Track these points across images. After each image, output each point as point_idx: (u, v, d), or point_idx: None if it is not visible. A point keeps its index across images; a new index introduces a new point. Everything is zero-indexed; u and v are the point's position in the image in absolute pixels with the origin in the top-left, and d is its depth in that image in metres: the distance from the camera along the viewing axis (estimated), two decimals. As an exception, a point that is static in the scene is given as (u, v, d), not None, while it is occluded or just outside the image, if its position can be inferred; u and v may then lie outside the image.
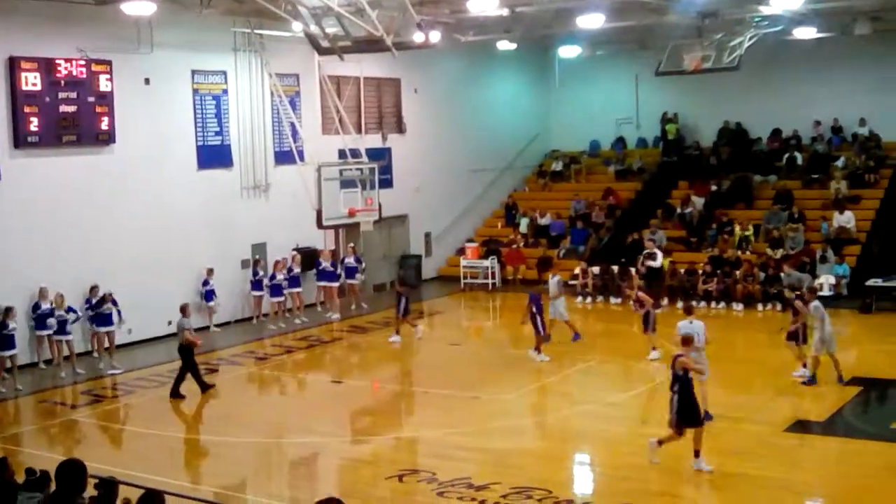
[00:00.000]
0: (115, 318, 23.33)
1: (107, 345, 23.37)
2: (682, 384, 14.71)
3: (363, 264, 30.43)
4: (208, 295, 26.68)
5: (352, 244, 30.38)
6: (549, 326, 23.56)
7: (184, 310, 21.25)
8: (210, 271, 26.69)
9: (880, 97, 34.16)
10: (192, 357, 20.90)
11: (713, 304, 29.06)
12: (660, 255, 29.60)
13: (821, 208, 32.30)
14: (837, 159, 34.49)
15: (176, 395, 20.50)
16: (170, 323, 25.55)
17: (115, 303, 23.28)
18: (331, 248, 29.75)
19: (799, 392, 19.16)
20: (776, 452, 15.98)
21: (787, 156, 35.31)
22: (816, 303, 20.35)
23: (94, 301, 23.41)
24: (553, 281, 24.42)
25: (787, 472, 14.87)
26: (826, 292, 28.21)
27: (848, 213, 31.19)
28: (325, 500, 6.86)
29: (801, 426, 16.51)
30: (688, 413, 14.71)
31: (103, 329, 23.30)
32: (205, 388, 20.89)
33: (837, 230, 30.91)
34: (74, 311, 23.01)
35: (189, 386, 20.64)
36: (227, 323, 27.45)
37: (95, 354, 23.71)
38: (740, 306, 28.76)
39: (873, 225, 31.54)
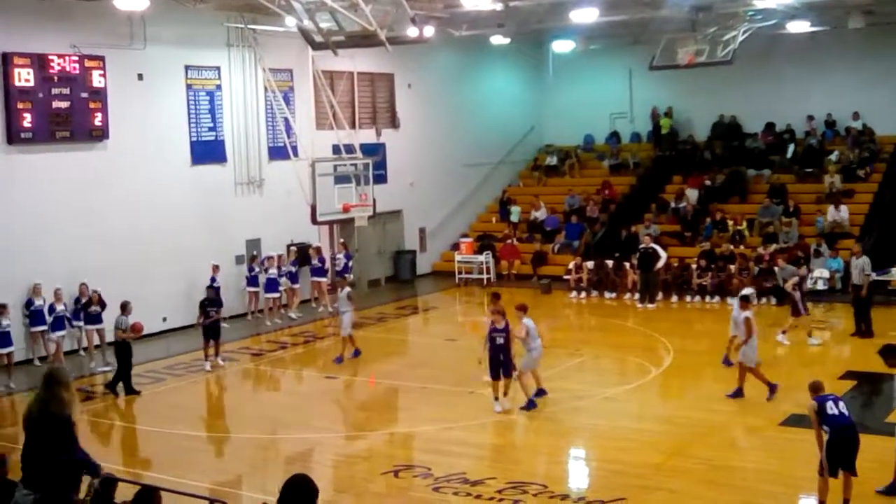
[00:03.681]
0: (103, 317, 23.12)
1: (97, 342, 23.29)
2: (834, 424, 12.68)
3: (351, 260, 30.37)
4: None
5: (342, 240, 30.39)
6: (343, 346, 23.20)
7: (124, 307, 20.97)
8: (216, 268, 26.52)
9: (874, 91, 34.19)
10: (128, 356, 20.59)
11: (707, 299, 29.08)
12: (663, 254, 29.51)
13: (815, 202, 32.37)
14: (831, 153, 34.54)
15: (130, 391, 20.46)
16: (165, 319, 25.69)
17: (102, 304, 23.09)
18: (315, 245, 29.66)
19: (794, 386, 19.15)
20: (771, 446, 16.02)
21: (784, 148, 35.35)
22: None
23: (82, 301, 23.35)
24: (342, 294, 23.51)
25: (782, 465, 14.89)
26: (820, 286, 28.30)
27: (844, 208, 31.23)
28: (293, 477, 7.04)
29: (796, 420, 16.50)
30: (842, 454, 12.66)
31: (92, 327, 23.22)
32: (130, 391, 20.51)
33: (831, 224, 30.95)
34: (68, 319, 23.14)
35: (182, 387, 20.60)
36: (223, 319, 27.39)
37: (82, 353, 23.71)
38: (735, 301, 28.71)
39: (867, 219, 31.57)
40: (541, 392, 18.70)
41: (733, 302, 21.60)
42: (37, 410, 9.19)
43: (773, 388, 18.52)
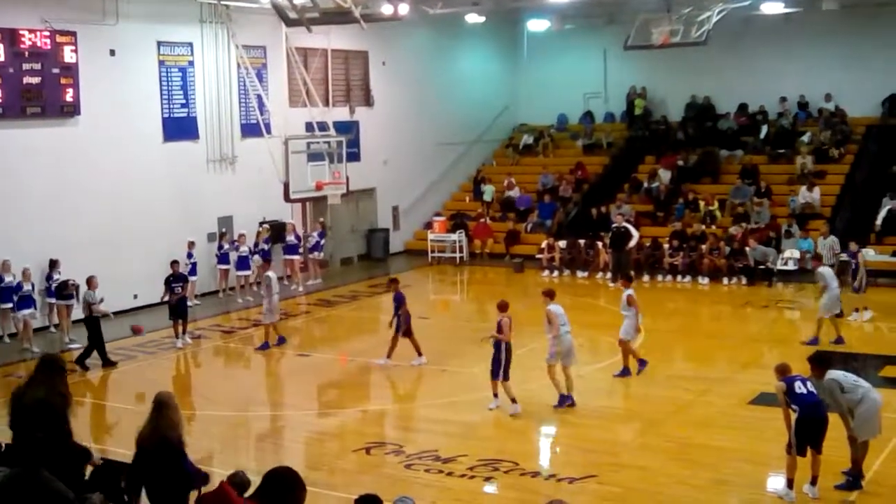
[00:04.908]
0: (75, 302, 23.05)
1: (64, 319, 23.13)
2: (802, 403, 12.72)
3: (324, 239, 30.36)
4: (192, 268, 26.34)
5: (321, 220, 30.42)
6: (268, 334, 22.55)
7: (90, 282, 21.07)
8: (192, 244, 26.51)
9: (846, 73, 34.36)
10: (98, 330, 20.83)
11: (679, 278, 29.24)
12: (635, 233, 29.60)
13: (786, 183, 32.54)
14: (803, 134, 34.69)
15: (107, 363, 20.79)
16: (136, 296, 25.57)
17: (77, 289, 22.94)
18: (290, 223, 29.64)
19: (764, 364, 19.31)
20: (741, 424, 16.15)
21: (758, 129, 35.50)
22: (822, 269, 21.18)
23: (55, 278, 23.15)
24: (266, 279, 22.52)
25: (751, 443, 15.01)
26: (791, 267, 28.50)
27: (816, 189, 31.40)
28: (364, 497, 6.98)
29: (765, 399, 16.63)
30: (811, 433, 12.69)
31: (63, 303, 23.06)
32: (107, 363, 20.89)
33: (803, 205, 31.12)
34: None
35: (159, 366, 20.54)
36: (194, 296, 27.32)
37: (53, 329, 23.56)
38: (706, 280, 28.94)
39: (838, 200, 31.76)
40: (565, 399, 17.19)
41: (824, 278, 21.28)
42: (148, 433, 9.68)
43: (642, 363, 19.05)
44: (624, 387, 18.82)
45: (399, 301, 20.37)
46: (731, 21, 30.66)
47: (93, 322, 20.77)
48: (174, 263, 23.12)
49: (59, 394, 9.82)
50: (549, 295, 17.77)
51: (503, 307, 17.23)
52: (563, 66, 39.40)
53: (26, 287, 22.66)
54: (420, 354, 20.33)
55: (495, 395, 17.10)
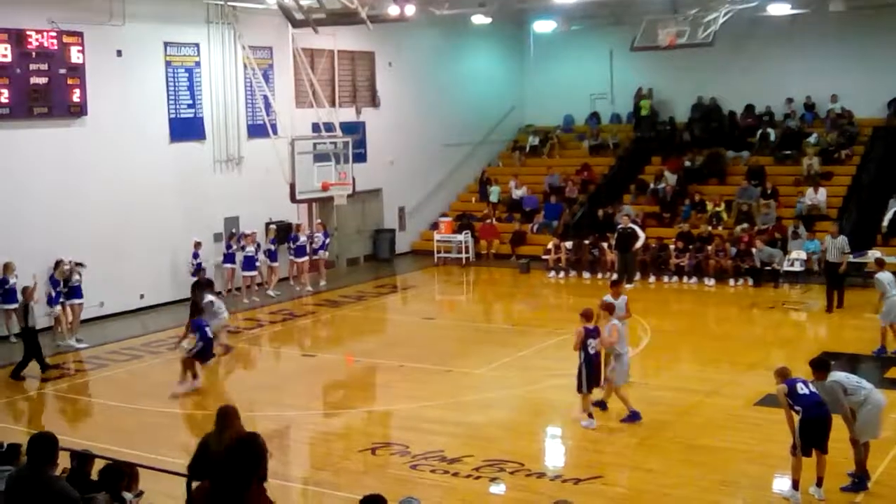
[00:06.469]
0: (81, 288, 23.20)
1: (72, 318, 23.10)
2: (805, 404, 12.69)
3: (329, 239, 30.39)
4: (197, 268, 26.39)
5: (319, 220, 30.43)
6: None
7: (24, 291, 20.70)
8: (198, 244, 26.56)
9: (853, 74, 34.29)
10: (35, 339, 20.26)
11: (685, 279, 29.20)
12: (641, 234, 29.50)
13: (793, 184, 32.49)
14: (810, 136, 34.64)
15: (17, 377, 19.96)
16: (142, 296, 25.63)
17: (80, 271, 23.05)
18: (300, 223, 29.69)
19: (771, 366, 19.27)
20: (747, 426, 16.12)
21: (760, 132, 35.45)
22: (880, 274, 20.68)
23: (64, 269, 23.17)
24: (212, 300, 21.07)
25: (757, 445, 15.00)
26: (798, 268, 28.46)
27: (822, 190, 31.36)
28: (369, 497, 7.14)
29: (771, 400, 16.60)
30: (815, 433, 12.66)
31: (69, 302, 23.04)
32: (45, 368, 20.34)
33: (809, 207, 31.08)
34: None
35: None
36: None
37: (59, 330, 23.54)
38: (712, 281, 28.90)
39: (845, 201, 31.71)
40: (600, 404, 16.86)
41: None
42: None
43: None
44: (629, 388, 18.78)
45: (197, 327, 19.28)
46: (738, 22, 30.60)
47: (29, 333, 20.25)
48: (200, 271, 23.29)
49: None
50: (609, 309, 16.79)
51: (586, 315, 16.48)
52: (570, 67, 39.39)
53: (75, 278, 22.91)
54: (195, 377, 19.12)
55: (590, 415, 16.23)
